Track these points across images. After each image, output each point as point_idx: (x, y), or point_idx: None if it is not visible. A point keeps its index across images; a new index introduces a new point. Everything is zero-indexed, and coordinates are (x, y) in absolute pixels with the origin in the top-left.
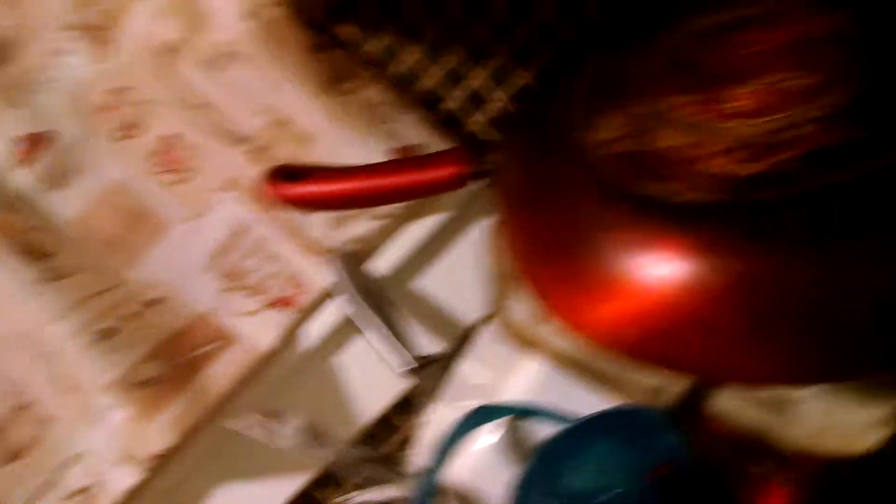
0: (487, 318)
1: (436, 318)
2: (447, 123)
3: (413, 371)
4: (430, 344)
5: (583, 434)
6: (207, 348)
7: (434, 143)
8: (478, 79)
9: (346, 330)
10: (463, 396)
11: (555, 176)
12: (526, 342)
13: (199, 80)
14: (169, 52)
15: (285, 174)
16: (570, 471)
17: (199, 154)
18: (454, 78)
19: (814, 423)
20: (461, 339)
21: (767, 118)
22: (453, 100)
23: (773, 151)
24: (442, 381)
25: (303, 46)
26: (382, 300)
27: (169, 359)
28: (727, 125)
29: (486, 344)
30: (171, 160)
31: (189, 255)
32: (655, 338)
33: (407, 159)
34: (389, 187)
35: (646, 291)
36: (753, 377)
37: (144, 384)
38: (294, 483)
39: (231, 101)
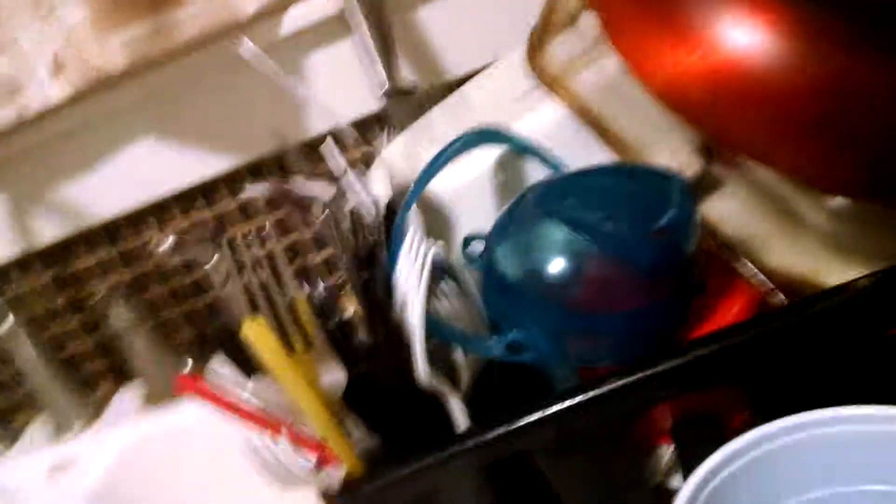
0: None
1: (429, 54)
2: None
3: (390, 94)
4: (412, 76)
5: (595, 174)
6: None
7: None
8: None
9: (332, 28)
10: (427, 140)
11: None
12: (552, 83)
13: None
14: None
15: None
16: (577, 199)
17: None
18: None
19: (800, 247)
20: (443, 87)
21: None
22: None
23: None
24: (411, 116)
25: None
26: (382, 11)
27: None
28: None
29: (505, 72)
30: None
31: None
32: (719, 103)
33: None
34: None
35: (729, 54)
36: (801, 172)
37: None
38: (220, 164)
39: None
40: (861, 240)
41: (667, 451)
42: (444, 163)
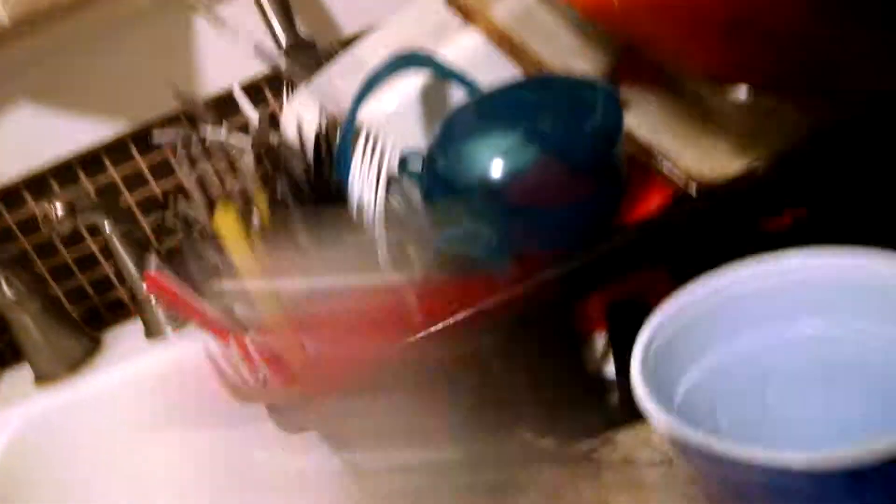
0: None
1: (326, 9)
2: None
3: (289, 49)
4: (310, 31)
5: (527, 85)
6: None
7: None
8: None
9: None
10: (329, 96)
11: None
12: (469, 13)
13: None
14: None
15: None
16: (513, 107)
17: None
18: None
19: (706, 147)
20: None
21: None
22: None
23: None
24: (311, 70)
25: None
26: None
27: None
28: None
29: (413, 13)
30: None
31: None
32: (638, 12)
33: None
34: None
35: None
36: (711, 68)
37: None
38: (104, 131)
39: None
40: (758, 133)
41: (601, 339)
42: (376, 84)
